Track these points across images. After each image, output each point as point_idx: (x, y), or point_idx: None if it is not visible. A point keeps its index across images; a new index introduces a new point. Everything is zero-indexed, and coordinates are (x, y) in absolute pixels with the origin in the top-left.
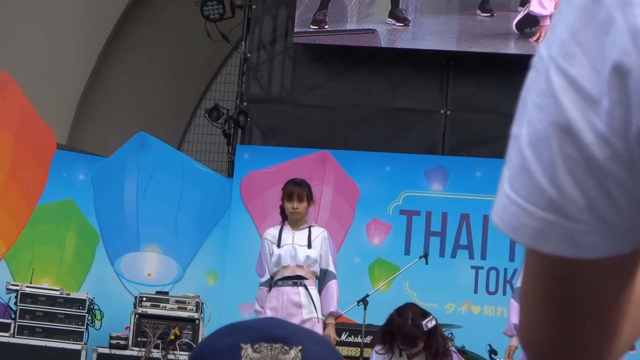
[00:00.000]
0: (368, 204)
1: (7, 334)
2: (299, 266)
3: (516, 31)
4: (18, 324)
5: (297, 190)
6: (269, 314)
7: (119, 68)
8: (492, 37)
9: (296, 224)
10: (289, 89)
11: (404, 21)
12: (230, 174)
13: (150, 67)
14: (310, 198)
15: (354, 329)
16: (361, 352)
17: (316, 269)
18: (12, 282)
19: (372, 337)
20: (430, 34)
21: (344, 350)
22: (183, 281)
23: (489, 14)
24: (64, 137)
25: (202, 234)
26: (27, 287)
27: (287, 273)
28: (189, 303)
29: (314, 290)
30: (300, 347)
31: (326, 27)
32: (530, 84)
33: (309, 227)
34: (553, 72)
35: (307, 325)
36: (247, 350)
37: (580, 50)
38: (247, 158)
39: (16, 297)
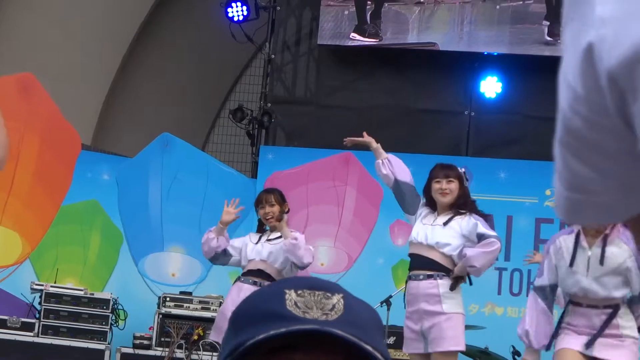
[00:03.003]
0: (392, 205)
1: (32, 334)
2: (262, 261)
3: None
4: (42, 324)
5: (264, 196)
6: (228, 307)
7: (144, 69)
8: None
9: (273, 228)
10: (313, 90)
11: (374, 36)
12: (254, 175)
13: (175, 69)
14: (281, 202)
15: None
16: None
17: (279, 265)
18: (37, 282)
19: (395, 338)
20: (484, 44)
21: None
22: (206, 281)
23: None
24: (89, 138)
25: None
26: (51, 287)
27: (251, 267)
28: (212, 303)
29: None
30: (342, 295)
31: (376, 39)
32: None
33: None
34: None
35: None
36: (291, 294)
37: (568, 39)
38: (271, 159)
39: (40, 297)
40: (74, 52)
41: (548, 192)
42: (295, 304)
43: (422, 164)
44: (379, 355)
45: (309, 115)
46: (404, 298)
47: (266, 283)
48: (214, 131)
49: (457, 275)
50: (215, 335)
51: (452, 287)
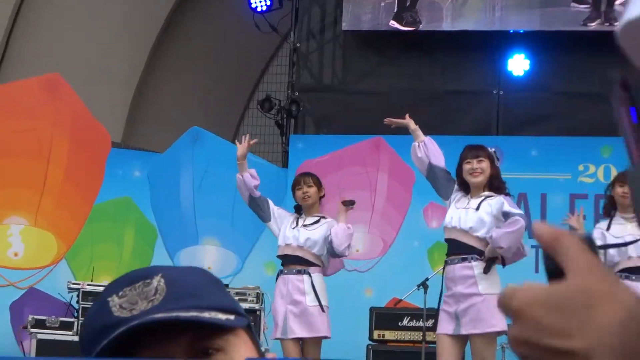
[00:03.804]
0: (424, 188)
1: (71, 332)
2: (300, 247)
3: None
4: (81, 323)
5: (302, 178)
6: (278, 300)
7: (170, 64)
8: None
9: (309, 211)
10: (340, 77)
11: (412, 24)
12: (284, 164)
13: (201, 62)
14: (318, 185)
15: (415, 313)
16: (423, 335)
17: (317, 251)
18: (74, 281)
19: (433, 321)
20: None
21: (406, 335)
22: (242, 273)
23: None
24: (119, 135)
25: (260, 225)
26: (88, 285)
27: (288, 252)
28: (249, 294)
29: (317, 278)
30: (160, 275)
31: (414, 27)
32: None
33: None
34: None
35: (312, 312)
36: (114, 300)
37: None
38: (301, 147)
39: (78, 296)
40: (100, 51)
41: (581, 168)
42: (121, 306)
43: (453, 145)
44: (204, 317)
45: (337, 102)
46: (442, 281)
47: (310, 269)
48: (243, 123)
49: (489, 257)
50: (273, 333)
51: (485, 270)
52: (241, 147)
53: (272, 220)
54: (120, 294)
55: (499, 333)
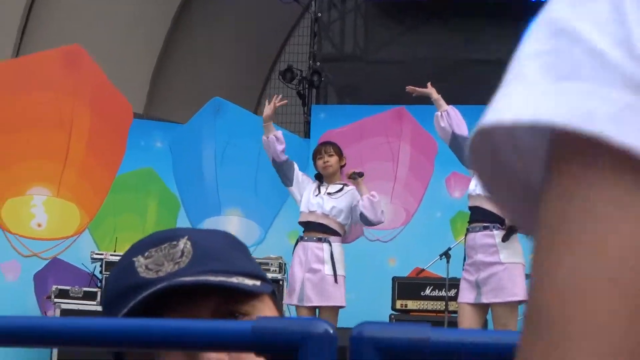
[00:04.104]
0: (446, 158)
1: (94, 302)
2: (325, 215)
3: None
4: (105, 281)
5: (322, 147)
6: (296, 266)
7: (192, 35)
8: None
9: (330, 180)
10: (362, 46)
11: None
12: (307, 135)
13: (223, 33)
14: (340, 154)
15: (438, 283)
16: (446, 305)
17: (342, 220)
18: (97, 251)
19: (456, 290)
20: None
21: (429, 305)
22: (265, 243)
23: None
24: (141, 106)
25: (282, 195)
26: (111, 255)
27: (311, 219)
28: (272, 264)
29: (337, 248)
30: (186, 237)
31: None
32: None
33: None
34: None
35: (329, 281)
36: (140, 260)
37: None
38: (323, 118)
39: (101, 266)
40: (122, 21)
41: None
42: (146, 267)
43: (475, 115)
44: (232, 282)
45: (359, 72)
46: (464, 251)
47: (331, 238)
48: (264, 93)
49: (509, 225)
50: (288, 299)
51: (504, 238)
52: (268, 108)
53: (295, 185)
54: (145, 254)
55: (521, 302)
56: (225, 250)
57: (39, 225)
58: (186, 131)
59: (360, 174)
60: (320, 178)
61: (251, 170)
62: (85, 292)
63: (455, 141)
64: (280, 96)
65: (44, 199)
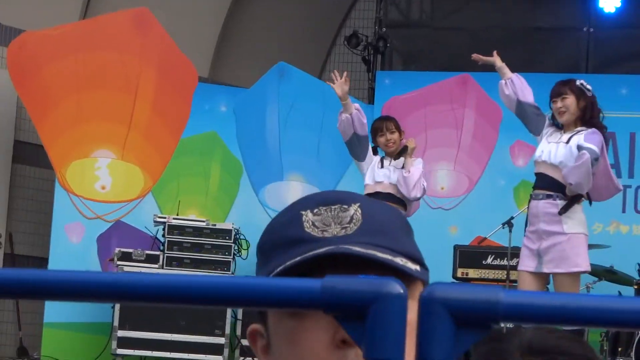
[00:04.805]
0: (511, 126)
1: (156, 266)
2: (392, 184)
3: None
4: (166, 256)
5: (384, 124)
6: None
7: (257, 1)
8: None
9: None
10: (428, 13)
11: None
12: (371, 101)
13: None
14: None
15: (500, 252)
16: (507, 274)
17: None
18: (160, 215)
19: (517, 259)
20: None
21: (490, 274)
22: None
23: None
24: (206, 70)
25: (345, 162)
26: (174, 219)
27: (379, 189)
28: None
29: None
30: (358, 204)
31: None
32: None
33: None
34: None
35: None
36: (308, 215)
37: None
38: (388, 84)
39: (164, 229)
40: None
41: None
42: (313, 224)
43: (541, 83)
44: (398, 263)
45: (425, 38)
46: (526, 218)
47: (398, 207)
48: (329, 59)
49: (571, 196)
50: None
51: (561, 211)
52: (339, 86)
53: (367, 160)
54: (315, 211)
55: (583, 272)
56: (393, 227)
57: (103, 188)
58: (250, 95)
59: (405, 149)
60: (376, 150)
61: (314, 136)
62: (147, 255)
63: (520, 108)
64: (345, 73)
65: (109, 162)
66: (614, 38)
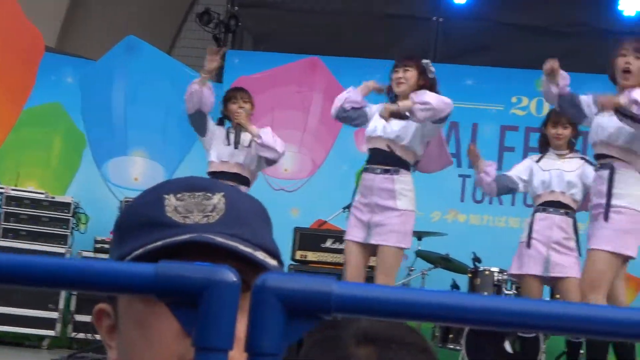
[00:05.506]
0: None
1: None
2: (238, 164)
3: None
4: (3, 227)
5: (239, 93)
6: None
7: None
8: None
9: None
10: None
11: None
12: (219, 80)
13: None
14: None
15: (339, 236)
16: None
17: (253, 167)
18: None
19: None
20: None
21: (329, 257)
22: None
23: None
24: (53, 40)
25: (191, 139)
26: (12, 190)
27: (224, 168)
28: None
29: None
30: (222, 193)
31: None
32: None
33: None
34: None
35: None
36: (171, 199)
37: None
38: (237, 63)
39: (1, 200)
40: None
41: (514, 100)
42: (175, 209)
43: (389, 69)
44: (258, 257)
45: (277, 19)
46: (355, 189)
47: (243, 187)
48: (180, 36)
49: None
50: None
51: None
52: (211, 61)
53: (208, 135)
54: (178, 196)
55: (404, 249)
56: (255, 219)
57: None
58: (98, 68)
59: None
60: (222, 121)
61: (161, 112)
62: None
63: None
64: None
65: None
66: (463, 29)
